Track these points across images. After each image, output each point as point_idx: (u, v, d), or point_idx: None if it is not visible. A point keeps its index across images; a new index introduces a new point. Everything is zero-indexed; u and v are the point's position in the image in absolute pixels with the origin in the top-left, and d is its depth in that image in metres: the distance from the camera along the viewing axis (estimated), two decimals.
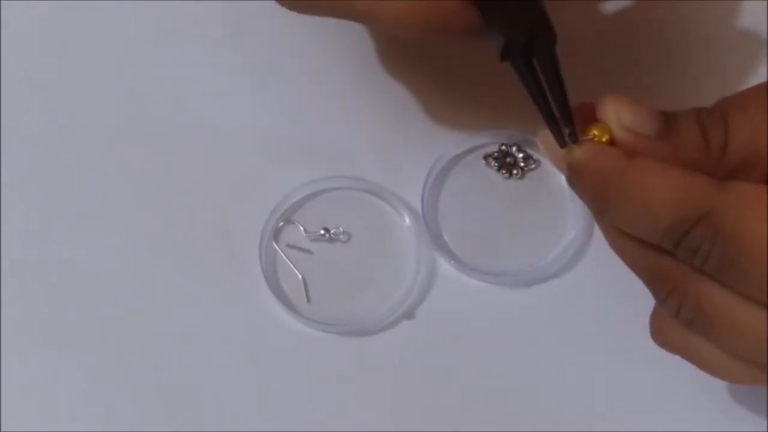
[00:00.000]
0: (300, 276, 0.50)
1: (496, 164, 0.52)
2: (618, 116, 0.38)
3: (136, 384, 0.49)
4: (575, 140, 0.38)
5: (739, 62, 0.53)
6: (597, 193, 0.38)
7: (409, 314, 0.49)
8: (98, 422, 0.48)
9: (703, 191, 0.36)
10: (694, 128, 0.38)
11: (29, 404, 0.48)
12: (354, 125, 0.53)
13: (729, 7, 0.54)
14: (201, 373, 0.49)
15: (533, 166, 0.52)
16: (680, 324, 0.39)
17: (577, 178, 0.38)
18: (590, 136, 0.38)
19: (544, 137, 0.39)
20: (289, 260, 0.50)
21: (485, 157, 0.52)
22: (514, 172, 0.51)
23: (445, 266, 0.50)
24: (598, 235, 0.49)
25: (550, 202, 0.51)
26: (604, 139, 0.38)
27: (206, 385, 0.48)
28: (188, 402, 0.48)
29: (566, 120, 0.39)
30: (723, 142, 0.37)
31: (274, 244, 0.50)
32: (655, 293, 0.39)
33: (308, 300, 0.50)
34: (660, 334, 0.41)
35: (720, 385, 0.47)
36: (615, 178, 0.37)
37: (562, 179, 0.51)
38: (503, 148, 0.52)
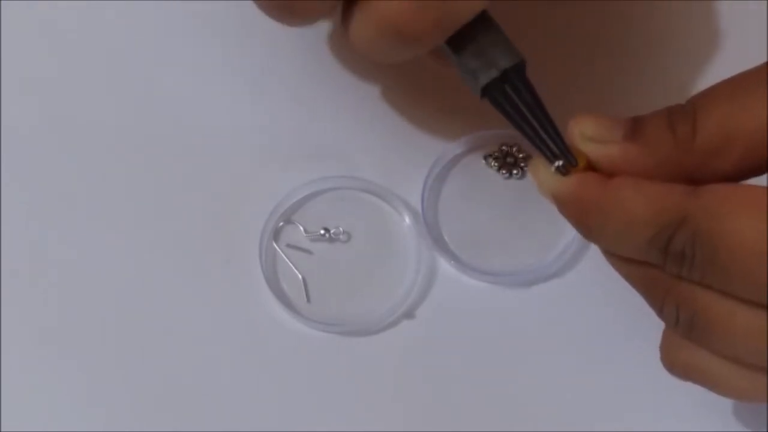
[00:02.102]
0: (300, 276, 0.50)
1: (496, 164, 0.52)
2: (582, 132, 0.39)
3: (136, 384, 0.49)
4: (567, 166, 0.39)
5: (740, 62, 0.53)
6: (581, 222, 0.39)
7: (409, 314, 0.49)
8: (98, 422, 0.48)
9: (677, 199, 0.37)
10: (662, 124, 0.38)
11: (29, 404, 0.48)
12: (354, 125, 0.53)
13: (729, 7, 0.54)
14: (201, 373, 0.49)
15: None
16: (681, 334, 0.39)
17: (562, 210, 0.40)
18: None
19: (533, 167, 0.40)
20: (289, 260, 0.50)
21: (485, 157, 0.52)
22: (514, 172, 0.51)
23: (445, 266, 0.50)
24: None
25: (550, 203, 0.51)
26: (581, 165, 0.39)
27: (206, 385, 0.48)
28: (188, 402, 0.48)
29: (556, 140, 0.40)
30: (691, 132, 0.38)
31: (274, 244, 0.50)
32: (652, 304, 0.40)
33: (308, 300, 0.50)
34: (669, 356, 0.41)
35: None
36: (593, 205, 0.38)
37: None
38: (503, 148, 0.52)
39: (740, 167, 0.38)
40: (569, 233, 0.50)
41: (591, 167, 0.39)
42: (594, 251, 0.50)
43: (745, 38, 0.53)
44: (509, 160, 0.52)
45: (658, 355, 0.42)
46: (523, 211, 0.51)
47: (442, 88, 0.53)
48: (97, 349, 0.49)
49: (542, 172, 0.40)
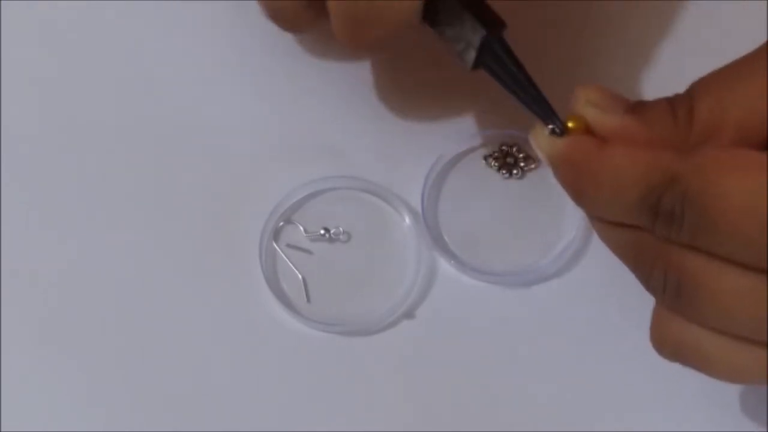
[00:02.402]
0: (300, 276, 0.50)
1: (496, 164, 0.52)
2: (587, 98, 0.40)
3: (136, 384, 0.49)
4: (561, 131, 0.40)
5: None
6: (573, 183, 0.39)
7: (409, 314, 0.49)
8: (98, 422, 0.48)
9: (668, 159, 0.37)
10: (664, 108, 0.39)
11: (29, 404, 0.48)
12: (354, 125, 0.53)
13: (729, 7, 0.54)
14: (201, 372, 0.49)
15: (533, 166, 0.52)
16: (669, 303, 0.39)
17: (555, 171, 0.40)
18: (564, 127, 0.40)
19: (533, 132, 0.41)
20: (289, 260, 0.50)
21: (485, 157, 0.52)
22: (514, 172, 0.51)
23: (445, 266, 0.50)
24: None
25: (550, 202, 0.51)
26: (579, 127, 0.40)
27: (206, 385, 0.48)
28: (188, 402, 0.48)
29: (543, 106, 0.41)
30: (689, 115, 0.39)
31: (274, 244, 0.51)
32: (640, 273, 0.40)
33: (308, 300, 0.50)
34: (658, 335, 0.41)
35: (720, 385, 0.47)
36: (586, 166, 0.39)
37: None
38: (503, 148, 0.52)
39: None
40: (569, 233, 0.50)
41: (588, 133, 0.40)
42: (594, 251, 0.50)
43: (745, 38, 0.53)
44: (509, 160, 0.52)
45: (658, 355, 0.42)
46: (523, 211, 0.51)
47: (442, 88, 0.53)
48: (97, 349, 0.49)
49: (539, 134, 0.41)
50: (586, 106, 0.40)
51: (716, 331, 0.38)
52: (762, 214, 0.35)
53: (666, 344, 0.40)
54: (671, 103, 0.39)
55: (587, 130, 0.40)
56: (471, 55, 0.44)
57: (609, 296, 0.49)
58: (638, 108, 0.39)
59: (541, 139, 0.40)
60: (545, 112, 0.41)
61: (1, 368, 0.49)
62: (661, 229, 0.38)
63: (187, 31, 0.55)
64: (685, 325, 0.39)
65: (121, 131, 0.53)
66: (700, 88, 0.39)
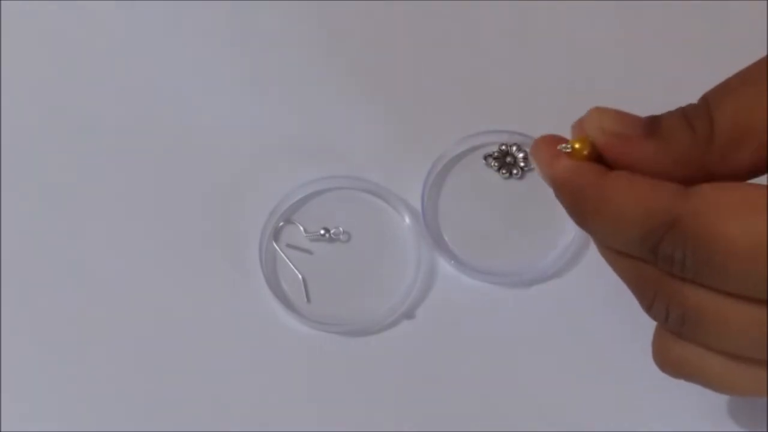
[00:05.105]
0: (300, 276, 0.50)
1: (496, 164, 0.52)
2: (601, 123, 0.38)
3: (135, 384, 0.49)
4: (572, 150, 0.39)
5: (740, 62, 0.52)
6: (574, 210, 0.39)
7: (409, 314, 0.49)
8: (98, 422, 0.48)
9: (665, 202, 0.36)
10: (679, 122, 0.38)
11: (29, 404, 0.48)
12: (354, 125, 0.53)
13: (729, 7, 0.54)
14: (201, 372, 0.49)
15: (533, 166, 0.51)
16: (672, 330, 0.39)
17: (557, 194, 0.39)
18: (569, 149, 0.39)
19: (534, 147, 0.40)
20: (289, 260, 0.50)
21: (485, 157, 0.52)
22: (514, 172, 0.51)
23: (445, 266, 0.50)
24: None
25: (550, 202, 0.50)
26: (585, 152, 0.38)
27: (206, 385, 0.48)
28: (188, 402, 0.48)
29: None
30: (708, 127, 0.38)
31: (274, 244, 0.50)
32: (642, 300, 0.39)
33: (308, 300, 0.50)
34: (660, 353, 0.41)
35: None
36: (589, 194, 0.38)
37: None
38: (503, 148, 0.52)
39: (757, 161, 0.37)
40: (569, 233, 0.50)
41: (595, 155, 0.38)
42: (594, 251, 0.50)
43: (745, 38, 0.53)
44: (509, 159, 0.52)
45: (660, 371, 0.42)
46: (523, 211, 0.51)
47: (442, 89, 0.53)
48: (96, 349, 0.49)
49: (543, 153, 0.39)
50: (602, 134, 0.38)
51: (720, 354, 0.38)
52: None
53: (668, 363, 0.40)
54: (686, 115, 0.38)
55: (594, 152, 0.38)
56: None
57: (609, 296, 0.49)
58: (655, 126, 0.38)
59: (541, 158, 0.39)
60: None
61: (1, 368, 0.49)
62: (662, 264, 0.37)
63: (187, 32, 0.55)
64: (687, 347, 0.39)
65: (121, 131, 0.53)
66: (716, 98, 0.38)
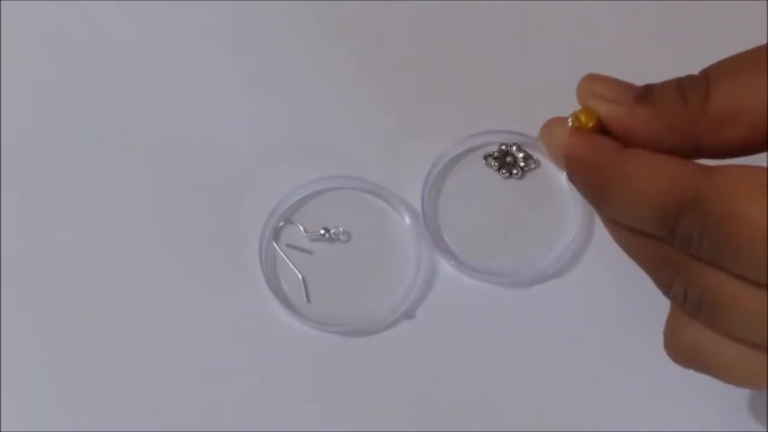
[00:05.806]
0: (300, 276, 0.50)
1: (496, 164, 0.52)
2: (592, 90, 0.38)
3: (135, 384, 0.49)
4: (580, 125, 0.38)
5: None
6: (591, 187, 0.38)
7: (409, 314, 0.49)
8: (98, 422, 0.48)
9: (689, 179, 0.36)
10: (673, 89, 0.38)
11: (29, 404, 0.48)
12: (354, 125, 0.53)
13: (729, 7, 0.54)
14: (201, 372, 0.49)
15: (533, 166, 0.52)
16: (689, 313, 0.38)
17: (572, 171, 0.39)
18: (575, 122, 0.38)
19: (543, 133, 0.39)
20: (289, 260, 0.50)
21: (485, 157, 0.52)
22: (514, 172, 0.51)
23: (445, 266, 0.50)
24: (598, 235, 0.50)
25: (550, 202, 0.51)
26: (591, 124, 0.38)
27: (206, 385, 0.48)
28: (188, 402, 0.48)
29: None
30: (702, 100, 0.38)
31: (274, 244, 0.51)
32: (659, 281, 0.39)
33: (308, 300, 0.50)
34: (673, 340, 0.40)
35: (720, 386, 0.47)
36: (607, 170, 0.37)
37: (563, 179, 0.51)
38: (503, 148, 0.52)
39: (749, 140, 0.37)
40: (569, 233, 0.50)
41: (602, 128, 0.38)
42: (594, 251, 0.50)
43: (745, 38, 0.53)
44: (509, 160, 0.52)
45: (658, 354, 0.41)
46: (523, 211, 0.51)
47: (441, 89, 0.53)
48: (96, 349, 0.49)
49: (557, 130, 0.39)
50: (593, 99, 0.38)
51: (736, 340, 0.38)
52: None
53: (681, 349, 0.40)
54: (681, 85, 0.38)
55: (600, 124, 0.38)
56: None
57: (609, 296, 0.49)
58: (648, 93, 0.38)
59: (554, 136, 0.39)
60: None
61: (1, 368, 0.49)
62: (680, 243, 0.37)
63: (187, 32, 0.55)
64: (702, 332, 0.39)
65: (121, 131, 0.53)
66: (717, 73, 0.38)
